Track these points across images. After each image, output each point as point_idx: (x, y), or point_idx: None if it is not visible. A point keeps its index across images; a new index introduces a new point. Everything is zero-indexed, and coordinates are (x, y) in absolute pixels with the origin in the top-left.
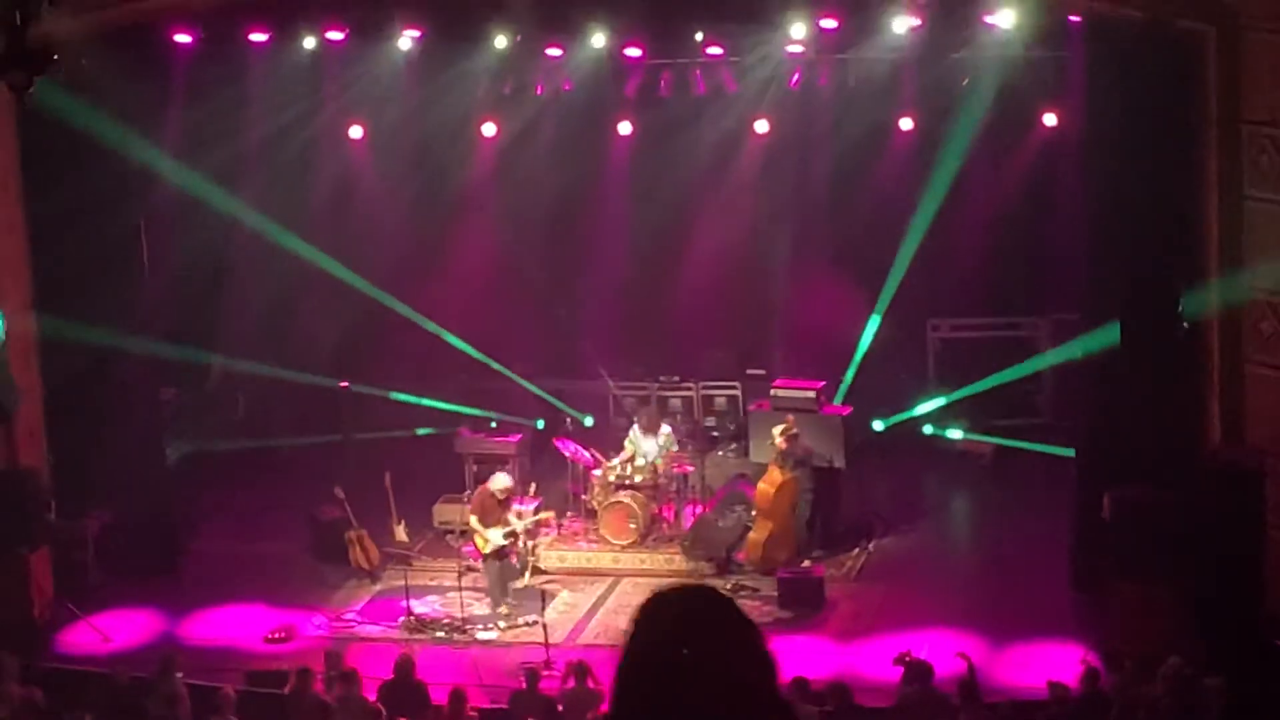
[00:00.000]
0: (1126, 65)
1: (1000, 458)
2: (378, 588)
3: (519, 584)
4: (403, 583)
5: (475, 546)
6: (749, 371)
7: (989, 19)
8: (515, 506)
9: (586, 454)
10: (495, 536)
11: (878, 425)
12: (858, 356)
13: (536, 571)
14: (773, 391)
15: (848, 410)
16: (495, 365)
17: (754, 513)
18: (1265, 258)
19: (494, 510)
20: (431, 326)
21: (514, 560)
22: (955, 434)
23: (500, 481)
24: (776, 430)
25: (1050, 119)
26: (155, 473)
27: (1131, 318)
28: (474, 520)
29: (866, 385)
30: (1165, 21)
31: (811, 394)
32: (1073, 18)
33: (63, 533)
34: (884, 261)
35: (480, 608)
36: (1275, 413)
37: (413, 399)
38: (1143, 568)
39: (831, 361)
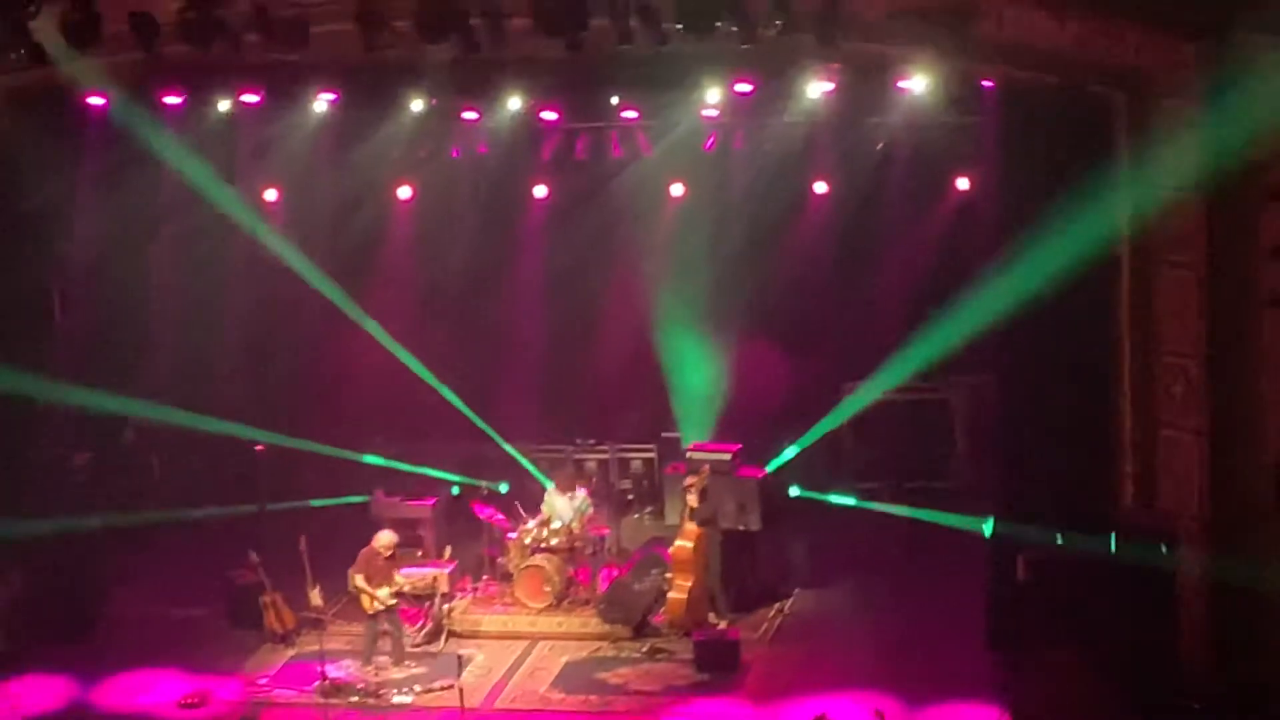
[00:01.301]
0: (1038, 129)
1: (915, 519)
2: (292, 652)
3: (434, 648)
4: (318, 647)
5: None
6: (664, 434)
7: (902, 84)
8: (420, 572)
9: (501, 517)
10: (383, 595)
11: (794, 491)
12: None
13: (452, 635)
14: (688, 453)
15: (762, 473)
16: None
17: (669, 575)
18: (1173, 320)
19: (381, 569)
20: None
21: (422, 622)
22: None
23: (385, 539)
24: (689, 483)
25: (963, 183)
26: (68, 537)
27: (1045, 378)
28: (359, 580)
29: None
30: (1077, 86)
31: (727, 456)
32: (985, 83)
33: None
34: (800, 325)
35: (397, 672)
36: (1187, 475)
37: (332, 451)
38: (1059, 628)
39: (748, 424)
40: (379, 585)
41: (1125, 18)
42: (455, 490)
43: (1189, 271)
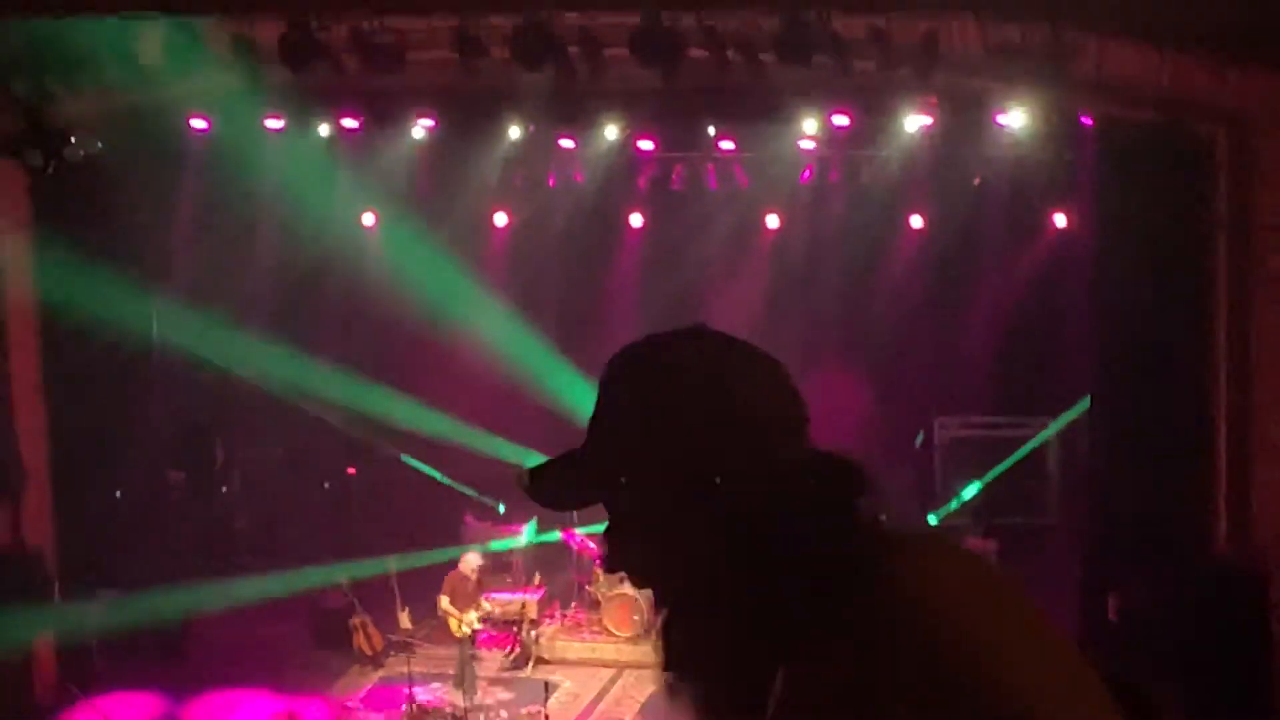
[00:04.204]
0: (1137, 167)
1: (1003, 554)
2: (380, 674)
3: (523, 674)
4: (405, 670)
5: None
6: None
7: (1000, 119)
8: (508, 597)
9: (591, 545)
10: (469, 619)
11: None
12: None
13: (540, 661)
14: None
15: None
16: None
17: None
18: (1270, 358)
19: (467, 593)
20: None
21: (511, 647)
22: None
23: (471, 562)
24: None
25: (1060, 219)
26: (161, 555)
27: (1139, 419)
28: (445, 602)
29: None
30: (1176, 123)
31: None
32: (1083, 119)
33: (67, 615)
34: (893, 358)
35: (485, 698)
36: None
37: (423, 468)
38: (1150, 669)
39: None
40: (465, 609)
41: (1227, 55)
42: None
43: None
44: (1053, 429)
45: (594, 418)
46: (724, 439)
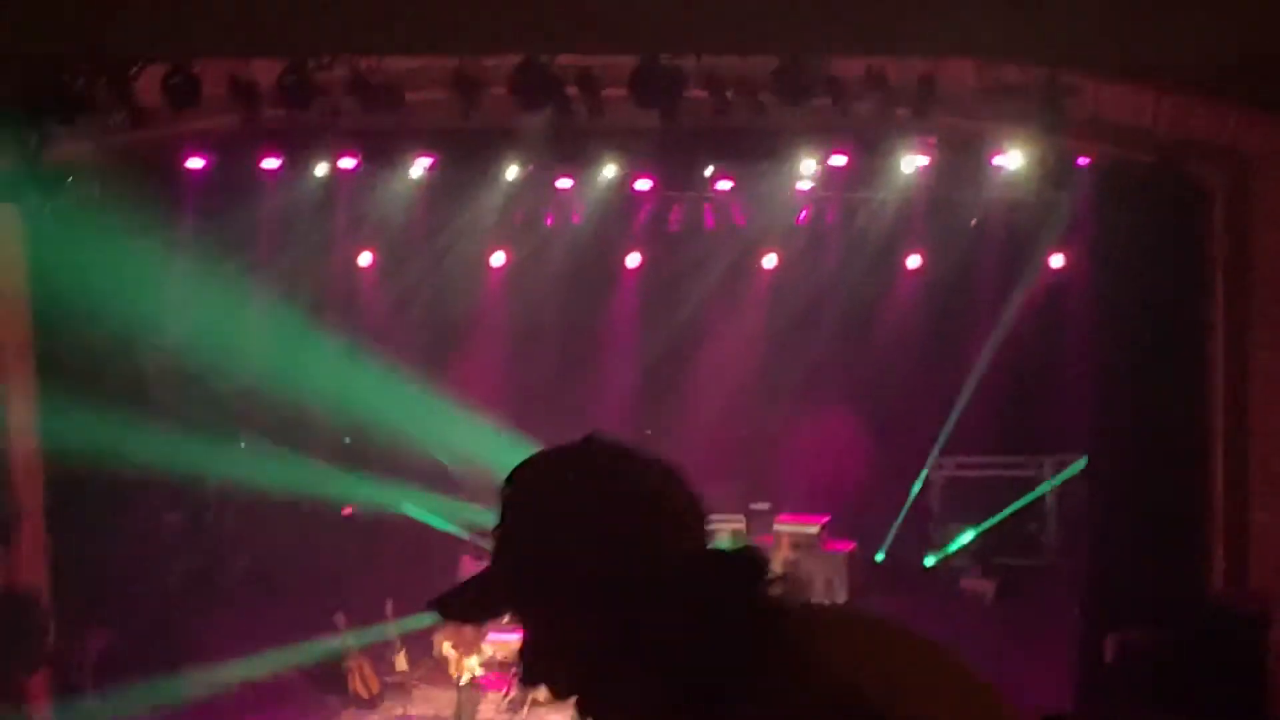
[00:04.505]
0: (1134, 208)
1: (1002, 596)
2: (376, 717)
3: (519, 716)
4: (401, 711)
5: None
6: (753, 506)
7: (997, 160)
8: (507, 638)
9: None
10: (471, 664)
11: (878, 557)
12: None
13: (534, 704)
14: (776, 526)
15: (851, 545)
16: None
17: None
18: (1267, 403)
19: (469, 636)
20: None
21: (506, 689)
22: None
23: None
24: (775, 559)
25: (1057, 260)
26: (156, 594)
27: (1136, 459)
28: (446, 647)
29: (874, 520)
30: (1173, 165)
31: (815, 529)
32: (1081, 160)
33: (61, 654)
34: (890, 398)
35: None
36: (1277, 558)
37: (420, 515)
38: (1146, 712)
39: (835, 497)
40: (467, 653)
41: (1225, 98)
42: None
43: None
44: (1058, 479)
45: (496, 536)
46: (620, 548)
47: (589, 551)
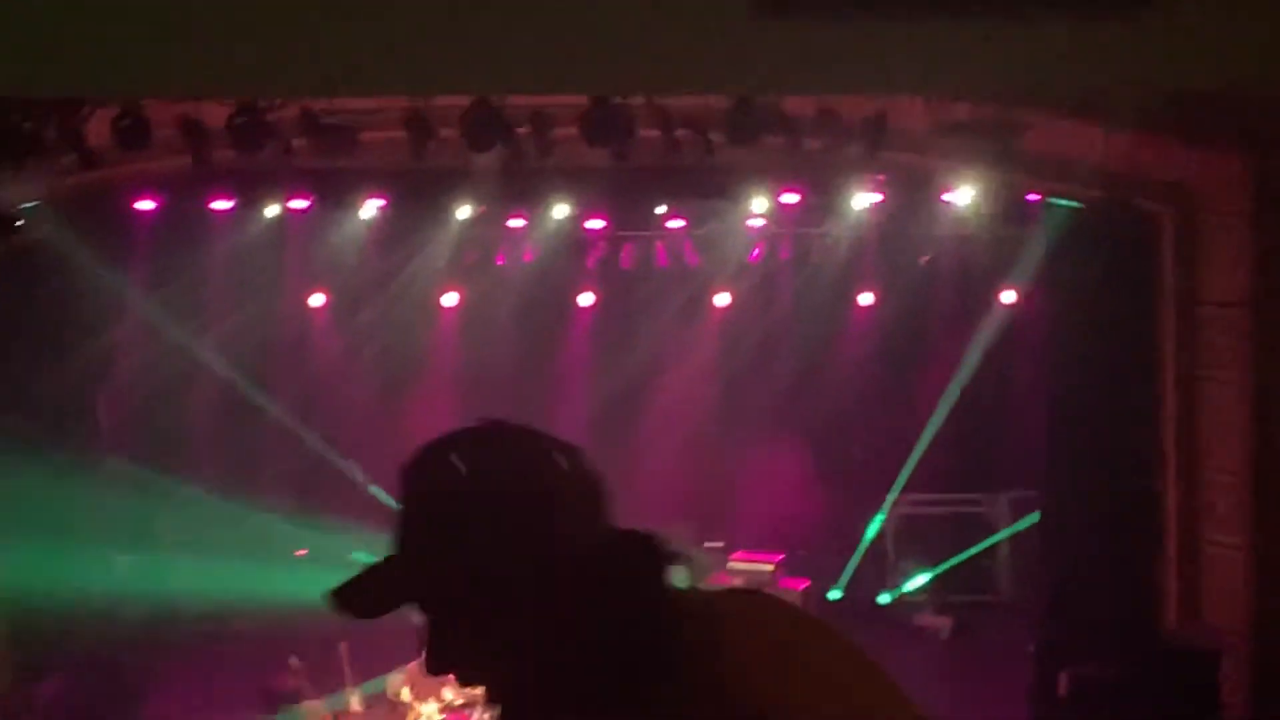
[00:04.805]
0: (1084, 245)
1: (957, 633)
2: None
3: None
4: None
5: None
6: (706, 544)
7: (947, 196)
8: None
9: None
10: (429, 711)
11: (833, 594)
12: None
13: None
14: (729, 564)
15: (806, 583)
16: None
17: None
18: (1218, 435)
19: (429, 681)
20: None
21: None
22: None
23: None
24: None
25: (1008, 297)
26: (107, 639)
27: (1089, 495)
28: (405, 694)
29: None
30: (1122, 201)
31: (769, 567)
32: (1031, 196)
33: (11, 701)
34: (844, 435)
35: None
36: (1231, 590)
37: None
38: None
39: (791, 536)
40: (426, 699)
41: (1173, 134)
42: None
43: (1234, 387)
44: (1021, 523)
45: (397, 522)
46: (524, 530)
47: (492, 530)
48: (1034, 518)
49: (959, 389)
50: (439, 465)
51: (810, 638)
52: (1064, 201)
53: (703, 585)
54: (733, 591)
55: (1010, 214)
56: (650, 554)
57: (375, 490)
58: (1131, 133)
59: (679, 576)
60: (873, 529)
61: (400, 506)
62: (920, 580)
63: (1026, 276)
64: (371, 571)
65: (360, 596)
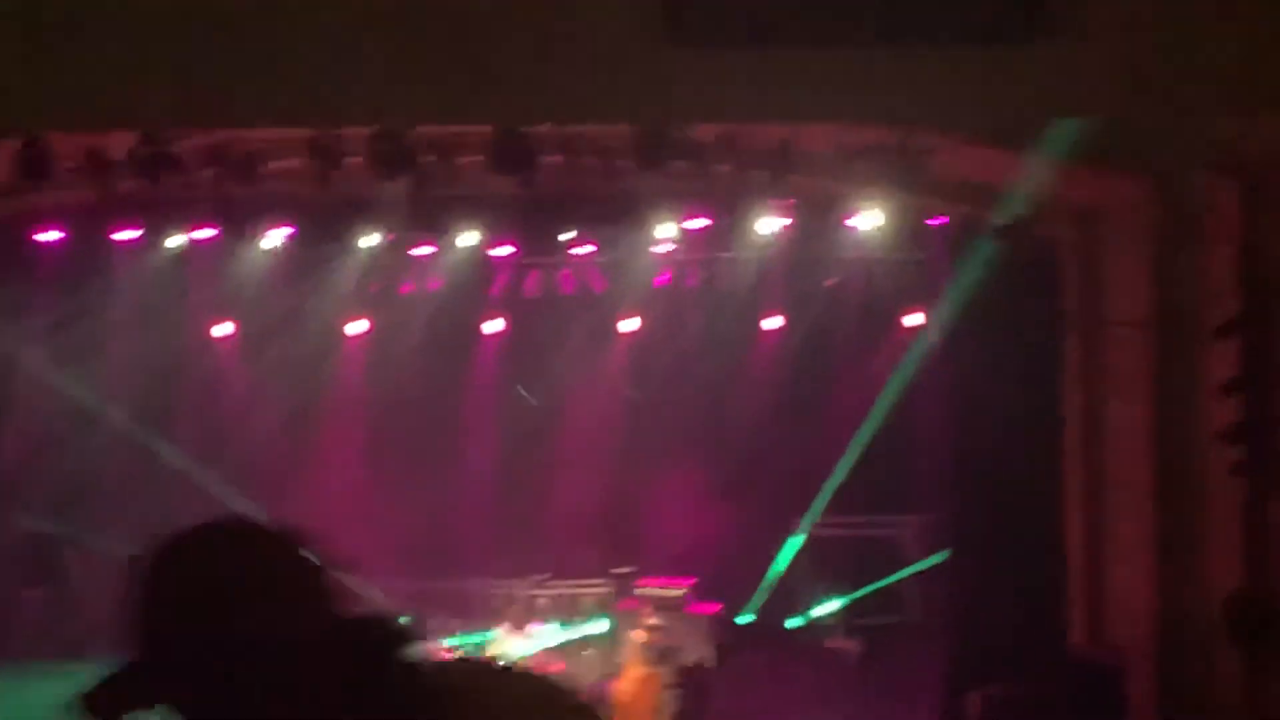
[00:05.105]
0: (987, 266)
1: (867, 655)
2: None
3: None
4: None
5: None
6: (615, 570)
7: (852, 220)
8: None
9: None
10: None
11: (741, 619)
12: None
13: None
14: (638, 589)
15: (717, 607)
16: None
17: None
18: (1121, 456)
19: None
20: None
21: None
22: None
23: None
24: (638, 626)
25: (914, 319)
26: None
27: (994, 518)
28: None
29: (740, 582)
30: (1025, 223)
31: (679, 592)
32: (935, 220)
33: None
34: (753, 460)
35: None
36: (1134, 610)
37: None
38: None
39: (702, 560)
40: None
41: (1075, 157)
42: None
43: (1137, 407)
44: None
45: (131, 624)
46: (252, 625)
47: (221, 628)
48: (945, 553)
49: (866, 411)
50: (163, 567)
51: (536, 710)
52: (969, 225)
53: (445, 658)
54: (463, 663)
55: (916, 237)
56: (384, 636)
57: None
58: (1035, 157)
59: (412, 654)
60: (788, 553)
61: (131, 606)
62: (831, 604)
63: (932, 299)
64: (119, 673)
65: (108, 698)
